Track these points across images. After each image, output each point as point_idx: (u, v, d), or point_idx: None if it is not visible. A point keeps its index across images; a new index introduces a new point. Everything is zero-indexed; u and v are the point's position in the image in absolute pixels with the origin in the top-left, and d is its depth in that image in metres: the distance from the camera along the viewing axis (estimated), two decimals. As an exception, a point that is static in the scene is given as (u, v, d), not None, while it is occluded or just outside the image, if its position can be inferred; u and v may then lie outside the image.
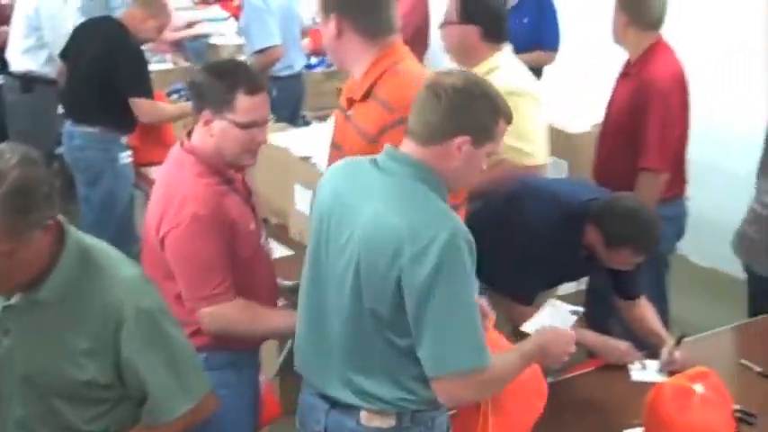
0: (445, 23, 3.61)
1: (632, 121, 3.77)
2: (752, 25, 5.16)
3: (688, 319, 4.54)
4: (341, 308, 2.22)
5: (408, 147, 2.22)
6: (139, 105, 4.74)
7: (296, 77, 5.78)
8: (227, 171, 2.65)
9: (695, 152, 4.05)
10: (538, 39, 5.63)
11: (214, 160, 2.62)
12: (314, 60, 6.47)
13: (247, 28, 5.66)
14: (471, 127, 2.17)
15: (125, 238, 4.64)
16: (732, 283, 4.54)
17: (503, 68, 3.44)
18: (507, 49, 3.64)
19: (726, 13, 5.30)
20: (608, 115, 3.96)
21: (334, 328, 2.25)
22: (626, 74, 3.90)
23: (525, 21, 5.62)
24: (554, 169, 4.14)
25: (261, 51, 5.50)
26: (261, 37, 5.51)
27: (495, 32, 3.54)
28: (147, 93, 4.81)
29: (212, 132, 2.60)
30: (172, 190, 2.59)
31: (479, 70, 3.42)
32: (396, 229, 2.10)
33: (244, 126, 2.59)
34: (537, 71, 5.74)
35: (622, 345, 3.08)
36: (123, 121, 4.80)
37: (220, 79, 2.59)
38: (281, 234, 3.99)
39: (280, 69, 5.53)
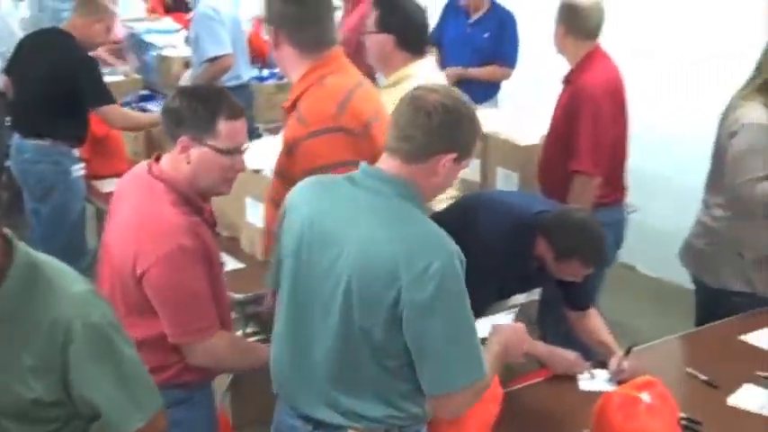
0: (365, 32, 3.68)
1: (567, 127, 3.88)
2: (704, 41, 5.27)
3: (636, 328, 4.61)
4: (327, 330, 2.21)
5: (391, 164, 2.21)
6: (108, 113, 4.72)
7: (244, 88, 5.78)
8: (198, 200, 2.60)
9: (645, 164, 4.13)
10: (496, 54, 5.74)
11: (186, 188, 2.56)
12: (266, 73, 6.47)
13: (197, 37, 5.64)
14: (458, 145, 2.19)
15: (75, 252, 4.60)
16: (679, 292, 4.63)
17: (414, 79, 3.40)
18: (426, 60, 3.66)
19: (682, 30, 5.40)
20: (550, 123, 4.06)
21: (320, 351, 2.24)
22: (566, 82, 4.01)
23: (486, 35, 5.74)
24: (505, 181, 4.19)
25: (211, 60, 5.49)
26: (212, 46, 5.50)
27: (410, 42, 3.57)
28: (112, 99, 4.78)
29: (190, 159, 2.53)
30: (146, 220, 2.50)
31: (391, 79, 3.49)
32: (391, 254, 2.10)
33: (225, 152, 2.55)
34: (495, 85, 5.84)
35: (571, 355, 3.12)
36: (75, 133, 4.77)
37: (202, 104, 2.52)
38: (232, 247, 3.96)
39: (227, 80, 5.51)
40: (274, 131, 4.87)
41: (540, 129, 4.22)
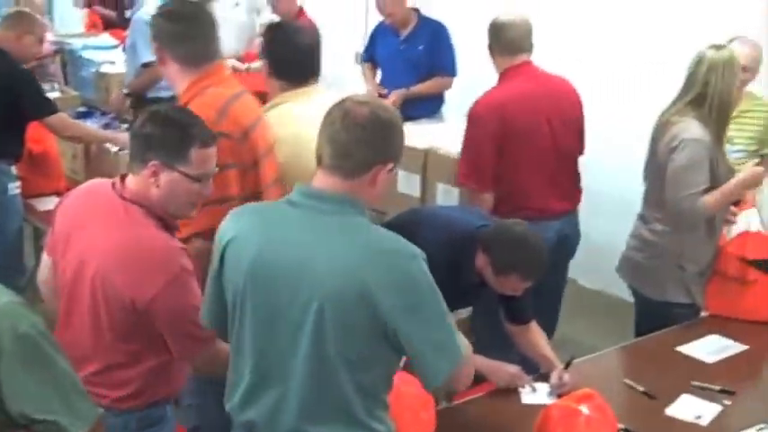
0: None
1: None
2: (639, 57, 5.36)
3: (576, 340, 4.66)
4: (297, 362, 2.19)
5: (330, 182, 2.20)
6: (55, 122, 4.66)
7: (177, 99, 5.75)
8: (174, 223, 2.62)
9: (585, 179, 4.18)
10: (434, 65, 5.80)
11: (158, 211, 2.55)
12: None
13: (134, 43, 5.61)
14: (393, 154, 2.23)
15: (13, 270, 4.52)
16: (619, 304, 4.69)
17: (277, 109, 3.41)
18: (306, 89, 3.48)
19: (615, 50, 5.47)
20: None
21: (291, 385, 2.21)
22: None
23: (420, 48, 5.80)
24: (445, 196, 4.21)
25: (146, 66, 5.43)
26: (148, 51, 5.43)
27: (282, 71, 3.49)
28: (57, 108, 4.72)
29: (159, 183, 2.52)
30: (138, 249, 2.48)
31: (266, 106, 3.45)
32: (358, 268, 2.11)
33: (196, 178, 2.54)
34: (439, 98, 5.89)
35: (512, 368, 3.14)
36: (12, 150, 4.69)
37: (175, 131, 2.51)
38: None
39: (161, 89, 5.41)
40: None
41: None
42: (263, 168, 3.15)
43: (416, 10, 5.92)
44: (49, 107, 4.66)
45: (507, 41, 3.97)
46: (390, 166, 2.22)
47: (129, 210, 2.53)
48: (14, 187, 4.72)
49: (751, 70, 4.17)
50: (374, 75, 6.10)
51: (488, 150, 3.89)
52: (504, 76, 4.00)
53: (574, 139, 4.11)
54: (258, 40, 7.09)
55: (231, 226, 2.30)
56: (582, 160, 4.12)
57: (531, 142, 3.95)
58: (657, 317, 3.72)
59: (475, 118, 3.92)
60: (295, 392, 2.21)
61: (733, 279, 3.71)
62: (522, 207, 3.84)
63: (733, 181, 3.57)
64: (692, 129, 3.53)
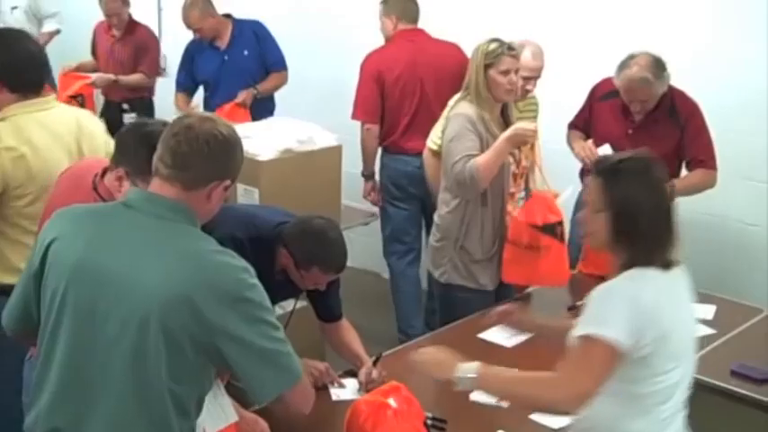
0: None
1: None
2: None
3: (379, 331, 4.73)
4: (114, 366, 2.13)
5: (169, 190, 2.20)
6: None
7: None
8: None
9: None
10: (266, 65, 5.76)
11: None
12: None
13: None
14: (231, 173, 2.25)
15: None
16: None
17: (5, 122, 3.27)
18: (22, 102, 3.32)
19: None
20: None
21: (103, 389, 2.14)
22: None
23: (246, 53, 5.72)
24: (246, 197, 4.16)
25: None
26: None
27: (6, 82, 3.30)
28: None
29: (121, 189, 2.65)
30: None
31: None
32: (188, 282, 2.09)
33: None
34: (272, 99, 5.87)
35: (321, 365, 3.14)
36: None
37: (145, 149, 2.43)
38: None
39: None
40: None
41: (276, 145, 4.25)
42: None
43: (229, 16, 5.80)
44: None
45: (394, 10, 5.13)
46: (227, 183, 2.24)
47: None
48: None
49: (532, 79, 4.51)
50: (189, 103, 5.90)
51: (366, 89, 5.08)
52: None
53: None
54: None
55: (56, 225, 2.27)
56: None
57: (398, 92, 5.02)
58: (445, 299, 3.92)
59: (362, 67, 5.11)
60: (108, 403, 2.15)
61: (526, 247, 3.83)
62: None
63: (499, 137, 3.73)
64: (457, 107, 3.85)
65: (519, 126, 3.76)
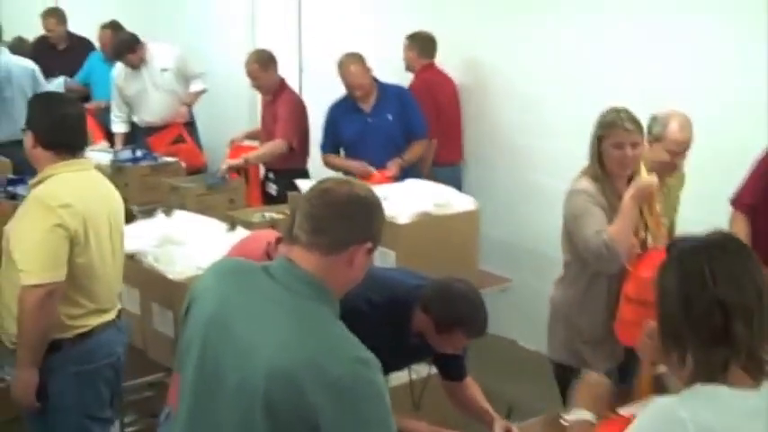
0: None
1: None
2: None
3: (518, 401, 4.65)
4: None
5: (307, 258, 2.16)
6: None
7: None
8: None
9: (510, 238, 4.22)
10: (408, 131, 5.78)
11: None
12: (139, 153, 6.39)
13: None
14: (373, 234, 2.19)
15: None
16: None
17: (53, 179, 3.38)
18: (72, 162, 3.44)
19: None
20: None
21: None
22: None
23: (390, 117, 5.74)
24: (381, 260, 4.20)
25: None
26: None
27: (48, 141, 3.41)
28: None
29: None
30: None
31: (36, 179, 3.42)
32: (307, 364, 2.02)
33: None
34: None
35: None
36: None
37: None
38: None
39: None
40: (149, 213, 4.78)
41: (414, 208, 4.30)
42: None
43: (375, 80, 5.82)
44: None
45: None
46: (369, 246, 2.18)
47: None
48: None
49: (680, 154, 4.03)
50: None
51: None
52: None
53: None
54: (184, 109, 7.12)
55: (204, 280, 2.30)
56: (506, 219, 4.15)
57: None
58: (559, 379, 3.80)
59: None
60: None
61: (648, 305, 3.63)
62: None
63: (624, 200, 3.57)
64: (576, 183, 3.68)
65: (638, 180, 3.62)
